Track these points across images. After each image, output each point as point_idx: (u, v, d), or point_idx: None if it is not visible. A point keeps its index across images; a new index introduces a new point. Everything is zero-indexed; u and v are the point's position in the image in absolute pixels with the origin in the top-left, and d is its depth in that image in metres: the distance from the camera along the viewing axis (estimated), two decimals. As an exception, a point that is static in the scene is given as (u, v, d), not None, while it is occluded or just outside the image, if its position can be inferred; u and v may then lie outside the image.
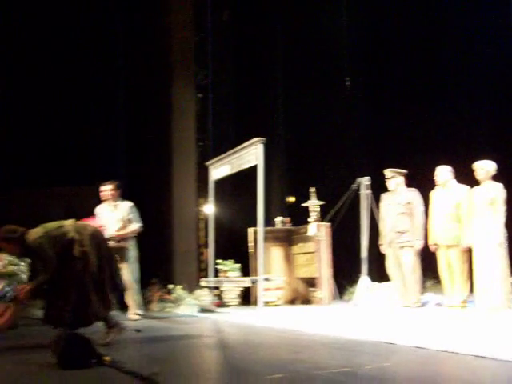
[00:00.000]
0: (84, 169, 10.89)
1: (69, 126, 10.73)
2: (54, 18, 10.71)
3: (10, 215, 9.52)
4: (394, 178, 8.28)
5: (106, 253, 5.22)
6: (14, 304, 5.09)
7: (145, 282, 9.52)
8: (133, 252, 7.69)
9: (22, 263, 5.81)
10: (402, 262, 8.09)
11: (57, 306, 4.97)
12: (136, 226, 7.63)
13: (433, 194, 7.94)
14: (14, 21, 10.65)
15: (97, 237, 5.23)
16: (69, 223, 5.20)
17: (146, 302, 9.31)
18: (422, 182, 8.39)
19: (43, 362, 4.07)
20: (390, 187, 8.35)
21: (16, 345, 5.48)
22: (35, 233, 5.03)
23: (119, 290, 5.59)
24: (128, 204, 7.73)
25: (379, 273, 9.57)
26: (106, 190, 7.72)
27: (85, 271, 4.97)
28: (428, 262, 8.18)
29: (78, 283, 4.95)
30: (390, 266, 8.26)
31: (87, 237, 5.10)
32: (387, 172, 8.36)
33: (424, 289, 8.55)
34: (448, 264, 7.65)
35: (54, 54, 10.70)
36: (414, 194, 8.19)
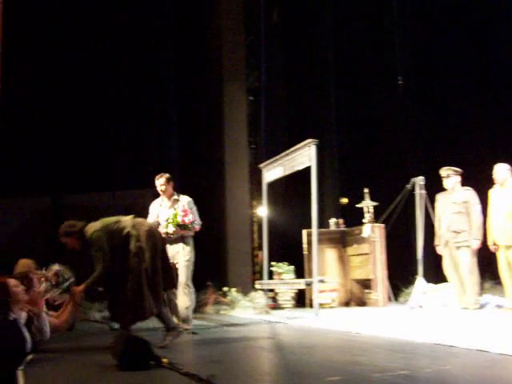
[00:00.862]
0: (139, 172, 11.06)
1: (124, 130, 10.90)
2: (105, 20, 10.89)
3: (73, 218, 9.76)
4: (451, 177, 8.11)
5: (161, 250, 5.25)
6: (70, 304, 5.19)
7: (200, 285, 9.62)
8: (189, 252, 6.69)
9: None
10: (458, 262, 7.93)
11: (119, 302, 5.06)
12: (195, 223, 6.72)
13: (491, 193, 7.75)
14: (64, 28, 10.88)
15: (153, 234, 5.27)
16: (127, 219, 5.29)
17: (201, 305, 9.39)
18: (478, 181, 8.22)
19: (103, 364, 4.15)
20: (447, 186, 8.17)
21: (76, 346, 5.60)
22: (94, 227, 5.17)
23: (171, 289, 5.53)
24: (186, 199, 6.93)
25: (435, 274, 9.41)
26: (160, 183, 6.88)
27: (140, 266, 5.03)
28: (487, 262, 7.99)
29: (133, 278, 5.01)
30: (447, 267, 8.10)
31: (144, 233, 5.16)
32: (444, 171, 8.17)
33: (482, 290, 8.36)
34: (508, 264, 7.46)
35: (109, 59, 10.89)
36: (470, 193, 8.01)
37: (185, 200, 6.95)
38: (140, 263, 5.04)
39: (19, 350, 3.94)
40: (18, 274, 5.98)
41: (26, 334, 4.02)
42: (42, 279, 5.20)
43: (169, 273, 5.32)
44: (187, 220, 6.59)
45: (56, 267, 5.24)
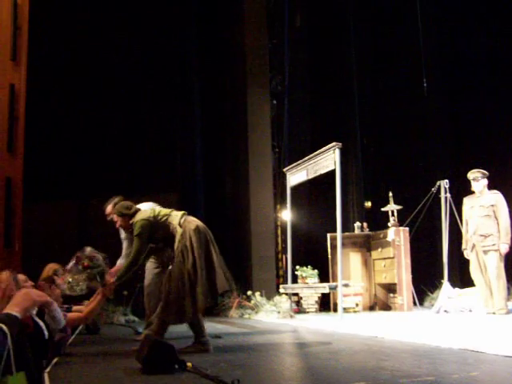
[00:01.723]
0: (163, 177, 11.12)
1: (149, 136, 10.97)
2: (129, 28, 10.97)
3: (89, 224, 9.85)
4: (480, 180, 8.01)
5: (207, 253, 5.05)
6: (99, 296, 5.14)
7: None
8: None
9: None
10: (486, 266, 7.83)
11: (164, 299, 4.98)
12: None
13: None
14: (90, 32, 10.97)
15: (200, 233, 5.05)
16: (177, 214, 5.20)
17: (225, 309, 9.40)
18: (505, 185, 8.12)
19: (127, 368, 4.16)
20: (476, 189, 8.06)
21: (101, 350, 5.62)
22: (143, 214, 5.15)
23: (215, 296, 5.24)
24: None
25: (461, 278, 9.32)
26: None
27: (182, 266, 4.91)
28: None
29: (175, 278, 4.91)
30: (474, 271, 8.01)
31: (190, 232, 5.01)
32: (473, 173, 8.06)
33: (510, 295, 8.25)
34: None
35: (133, 64, 10.97)
36: (498, 196, 7.91)
37: None
38: (183, 263, 4.90)
39: (38, 339, 3.95)
40: (43, 279, 6.04)
41: (41, 323, 4.03)
42: (72, 262, 5.17)
43: (211, 277, 5.05)
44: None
45: (90, 250, 5.22)
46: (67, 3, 10.70)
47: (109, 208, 6.16)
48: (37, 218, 10.04)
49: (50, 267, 6.92)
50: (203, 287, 4.90)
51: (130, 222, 5.21)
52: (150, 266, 6.23)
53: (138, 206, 5.51)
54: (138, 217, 5.13)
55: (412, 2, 11.54)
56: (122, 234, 6.40)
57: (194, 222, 5.12)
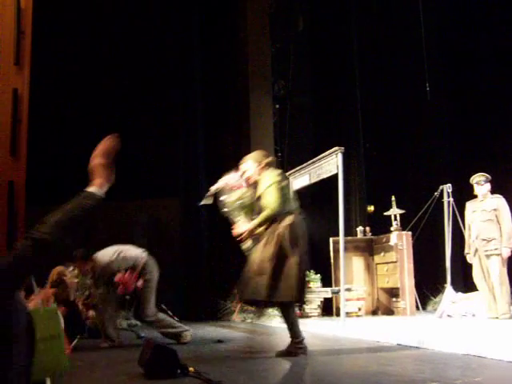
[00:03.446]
0: (165, 181, 11.13)
1: (151, 140, 10.97)
2: (132, 32, 10.99)
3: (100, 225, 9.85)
4: (484, 184, 7.99)
5: (298, 247, 4.89)
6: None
7: (226, 293, 9.63)
8: None
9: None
10: (489, 271, 7.82)
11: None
12: None
13: None
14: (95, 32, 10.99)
15: (295, 228, 4.92)
16: (292, 202, 5.11)
17: (227, 313, 9.40)
18: (508, 189, 8.10)
19: (130, 372, 4.16)
20: (479, 193, 8.04)
21: (103, 354, 5.62)
22: (276, 174, 5.09)
23: (302, 298, 5.09)
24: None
25: (464, 283, 9.30)
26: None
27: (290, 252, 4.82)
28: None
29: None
30: (477, 276, 7.99)
31: (299, 227, 4.95)
32: (477, 177, 8.04)
33: (513, 300, 8.22)
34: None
35: (135, 68, 10.98)
36: (500, 201, 7.90)
37: None
38: (288, 250, 4.80)
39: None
40: (52, 282, 6.06)
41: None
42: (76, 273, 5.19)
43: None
44: None
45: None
46: (70, 7, 10.72)
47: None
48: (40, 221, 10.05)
49: (56, 270, 6.97)
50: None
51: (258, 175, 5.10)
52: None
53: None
54: (273, 173, 5.04)
55: (415, 5, 11.56)
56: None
57: (290, 218, 4.97)
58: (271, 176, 5.03)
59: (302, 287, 4.88)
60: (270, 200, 4.91)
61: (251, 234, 5.06)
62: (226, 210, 5.27)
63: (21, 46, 7.07)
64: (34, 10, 7.32)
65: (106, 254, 6.22)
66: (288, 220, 4.90)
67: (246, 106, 10.80)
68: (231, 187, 5.24)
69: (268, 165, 5.19)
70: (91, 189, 2.51)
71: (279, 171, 5.21)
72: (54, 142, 10.66)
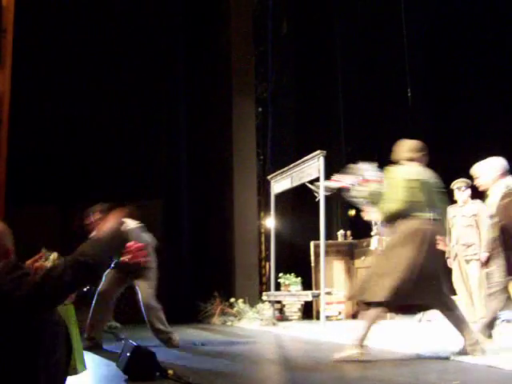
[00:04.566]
0: (147, 183, 11.07)
1: (133, 142, 10.90)
2: (115, 32, 10.91)
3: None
4: (465, 190, 8.04)
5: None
6: None
7: (207, 295, 9.60)
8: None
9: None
10: (468, 275, 7.88)
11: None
12: None
13: None
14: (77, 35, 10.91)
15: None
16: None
17: (207, 316, 9.37)
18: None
19: (109, 375, 4.13)
20: (461, 198, 8.08)
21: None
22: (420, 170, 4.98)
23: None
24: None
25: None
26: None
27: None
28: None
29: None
30: (456, 280, 8.04)
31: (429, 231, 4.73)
32: (458, 183, 8.09)
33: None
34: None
35: (118, 69, 10.91)
36: (479, 206, 7.95)
37: None
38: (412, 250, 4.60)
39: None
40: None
41: None
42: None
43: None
44: None
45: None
46: (53, 5, 10.63)
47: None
48: (20, 221, 9.95)
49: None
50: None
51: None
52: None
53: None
54: (414, 168, 4.92)
55: (397, 12, 11.63)
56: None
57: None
58: (409, 171, 4.88)
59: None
60: (396, 195, 4.76)
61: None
62: (355, 197, 5.14)
63: (2, 45, 6.99)
64: (16, 8, 7.25)
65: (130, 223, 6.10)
66: (419, 225, 4.68)
67: (228, 108, 10.78)
68: (367, 180, 5.10)
69: (414, 159, 5.04)
70: None
71: (422, 169, 5.02)
72: (35, 142, 10.55)
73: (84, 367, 3.73)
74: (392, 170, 4.96)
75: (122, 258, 5.79)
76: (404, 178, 4.82)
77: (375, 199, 5.01)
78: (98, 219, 5.92)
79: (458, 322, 4.86)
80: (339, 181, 5.18)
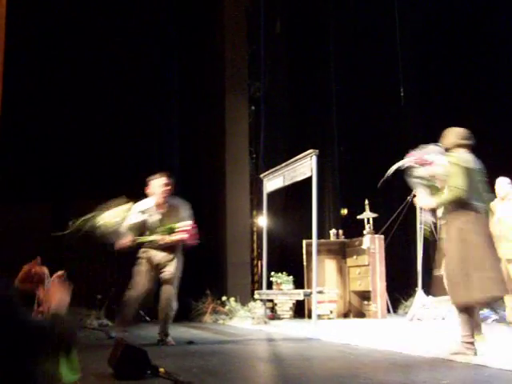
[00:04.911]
0: (139, 181, 11.03)
1: (125, 140, 10.85)
2: (108, 33, 10.87)
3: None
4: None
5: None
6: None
7: (198, 294, 9.59)
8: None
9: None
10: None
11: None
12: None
13: (493, 206, 7.69)
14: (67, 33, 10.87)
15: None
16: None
17: (199, 314, 9.37)
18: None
19: (100, 373, 4.12)
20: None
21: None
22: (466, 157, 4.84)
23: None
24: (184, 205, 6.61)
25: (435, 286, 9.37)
26: (166, 183, 6.56)
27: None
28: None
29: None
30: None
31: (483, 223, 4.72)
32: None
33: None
34: (509, 278, 7.38)
35: (111, 69, 10.87)
36: None
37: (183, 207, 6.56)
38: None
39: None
40: (22, 278, 5.93)
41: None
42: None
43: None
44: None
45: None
46: (45, 3, 10.60)
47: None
48: (8, 219, 9.92)
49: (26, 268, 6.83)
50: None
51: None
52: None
53: None
54: (458, 156, 4.79)
55: (391, 12, 11.66)
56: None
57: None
58: (468, 160, 4.78)
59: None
60: (456, 182, 4.65)
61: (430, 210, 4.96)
62: (420, 177, 5.08)
63: (-6, 42, 6.94)
64: (7, 6, 7.22)
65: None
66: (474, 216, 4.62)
67: (221, 106, 10.78)
68: (424, 162, 5.03)
69: (463, 146, 4.94)
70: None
71: (471, 156, 4.90)
72: (25, 139, 10.50)
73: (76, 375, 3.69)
74: (453, 156, 4.84)
75: (177, 237, 6.05)
76: (465, 165, 4.71)
77: (434, 184, 4.96)
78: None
79: (479, 318, 4.86)
80: (419, 157, 5.08)
